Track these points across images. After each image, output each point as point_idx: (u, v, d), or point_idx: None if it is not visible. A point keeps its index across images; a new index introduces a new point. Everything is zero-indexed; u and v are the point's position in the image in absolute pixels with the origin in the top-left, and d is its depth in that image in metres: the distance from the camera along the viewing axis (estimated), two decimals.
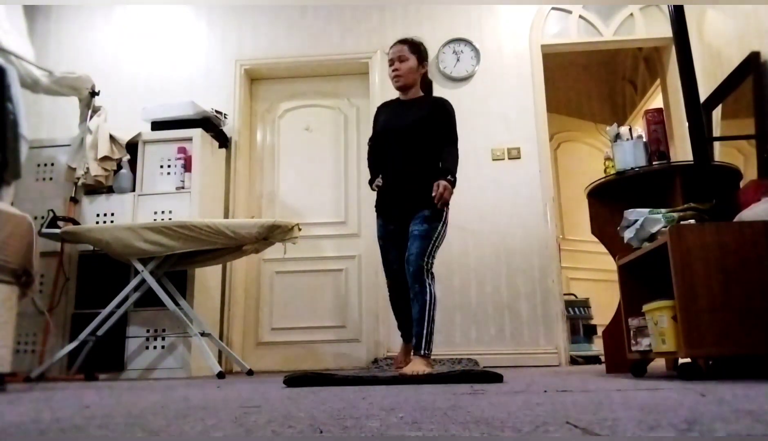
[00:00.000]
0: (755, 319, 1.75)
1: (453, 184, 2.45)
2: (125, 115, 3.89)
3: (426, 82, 2.72)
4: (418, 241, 2.42)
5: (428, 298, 2.36)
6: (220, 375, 2.89)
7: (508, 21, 4.11)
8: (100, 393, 1.88)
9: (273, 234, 3.08)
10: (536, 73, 4.00)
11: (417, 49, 2.62)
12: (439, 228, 2.47)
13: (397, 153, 2.56)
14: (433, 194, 2.40)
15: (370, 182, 2.73)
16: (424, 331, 2.33)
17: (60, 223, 3.26)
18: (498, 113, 3.97)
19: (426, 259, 2.40)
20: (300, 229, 3.18)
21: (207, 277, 3.64)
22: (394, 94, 3.98)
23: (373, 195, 2.75)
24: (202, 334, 3.14)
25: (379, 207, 2.65)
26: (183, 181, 3.60)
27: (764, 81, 2.97)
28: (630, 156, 2.38)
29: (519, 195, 3.83)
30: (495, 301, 3.71)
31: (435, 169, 2.51)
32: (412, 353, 2.42)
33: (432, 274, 2.42)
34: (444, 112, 2.56)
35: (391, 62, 2.61)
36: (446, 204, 2.47)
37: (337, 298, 3.96)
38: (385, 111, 2.70)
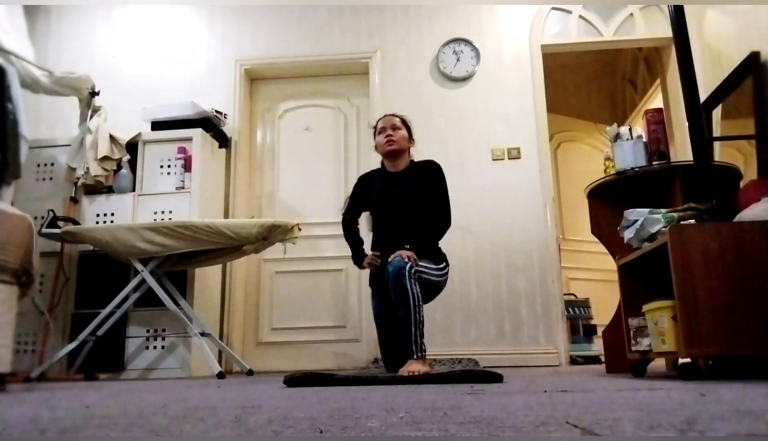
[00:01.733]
0: (755, 319, 1.75)
1: (417, 250, 2.37)
2: (125, 115, 3.89)
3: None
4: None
5: (411, 300, 2.25)
6: (220, 375, 2.89)
7: (508, 21, 4.11)
8: (100, 393, 1.88)
9: (273, 234, 3.08)
10: (536, 73, 4.00)
11: (407, 124, 2.66)
12: (440, 275, 2.46)
13: (395, 226, 2.51)
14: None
15: (357, 260, 2.63)
16: (413, 336, 2.24)
17: (60, 223, 3.26)
18: (498, 113, 3.97)
19: (408, 265, 2.29)
20: (300, 229, 3.18)
21: (207, 277, 3.64)
22: (394, 93, 4.04)
23: None
24: (202, 334, 3.14)
25: (376, 284, 2.55)
26: (183, 181, 3.60)
27: (764, 81, 2.97)
28: (630, 156, 2.38)
29: (519, 195, 3.83)
30: (495, 301, 3.71)
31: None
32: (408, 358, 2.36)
33: (414, 278, 2.29)
34: (436, 176, 2.56)
35: (383, 130, 2.61)
36: (436, 267, 2.45)
37: (337, 298, 3.96)
38: (373, 184, 2.65)
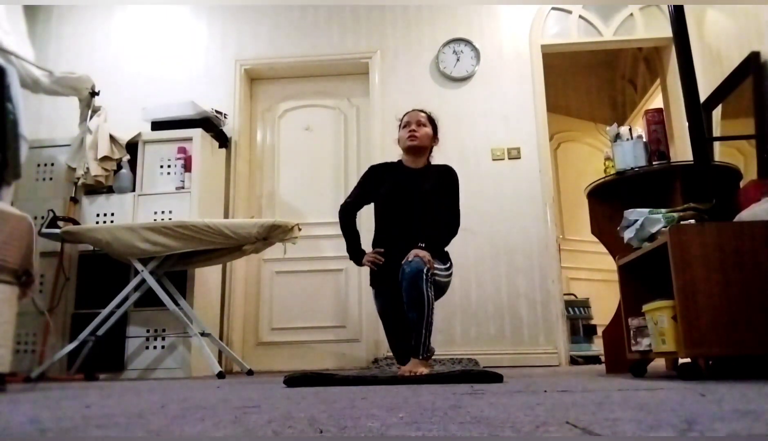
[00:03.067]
0: (755, 319, 1.75)
1: (434, 251, 2.31)
2: (125, 115, 3.89)
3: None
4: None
5: (426, 304, 2.20)
6: (220, 375, 2.89)
7: (508, 21, 4.11)
8: (100, 393, 1.88)
9: (273, 234, 3.08)
10: (536, 73, 4.00)
11: (434, 122, 2.61)
12: (445, 275, 2.40)
13: (407, 222, 2.43)
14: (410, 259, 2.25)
15: (353, 254, 2.53)
16: (422, 338, 2.21)
17: (60, 223, 3.26)
18: (498, 113, 3.97)
19: (426, 268, 2.21)
20: (300, 229, 3.17)
21: (207, 277, 3.64)
22: (394, 93, 4.04)
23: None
24: (202, 334, 3.14)
25: (379, 284, 2.47)
26: (183, 181, 3.60)
27: (764, 81, 2.97)
28: (630, 156, 2.38)
29: (519, 195, 3.83)
30: (495, 301, 3.71)
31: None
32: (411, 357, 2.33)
33: (430, 283, 2.23)
34: (452, 182, 2.52)
35: (407, 124, 2.54)
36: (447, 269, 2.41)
37: (336, 298, 3.96)
38: (388, 175, 2.56)
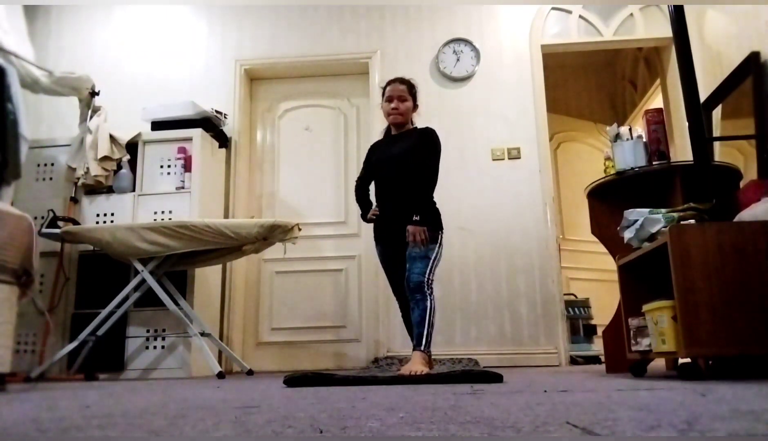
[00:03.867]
0: (755, 319, 1.75)
1: (425, 220, 2.51)
2: (125, 115, 3.89)
3: None
4: (417, 262, 2.50)
5: (428, 305, 2.45)
6: (220, 375, 2.89)
7: (508, 21, 4.11)
8: (100, 393, 1.88)
9: (273, 234, 3.08)
10: (536, 73, 4.00)
11: (414, 91, 2.77)
12: (436, 249, 2.57)
13: (391, 182, 2.67)
14: (408, 240, 2.50)
15: (363, 216, 2.83)
16: (425, 331, 2.42)
17: (60, 223, 3.26)
18: (498, 113, 3.97)
19: (426, 276, 2.49)
20: (300, 229, 3.18)
21: (207, 277, 3.64)
22: None
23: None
24: (202, 334, 3.14)
25: (378, 235, 2.75)
26: (183, 181, 3.60)
27: (764, 81, 2.97)
28: (630, 156, 2.38)
29: (519, 195, 3.83)
30: (495, 301, 3.71)
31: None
32: (412, 349, 2.46)
33: (432, 288, 2.50)
34: (429, 140, 2.66)
35: (390, 99, 2.71)
36: (433, 237, 2.55)
37: (337, 298, 3.96)
38: (378, 147, 2.83)
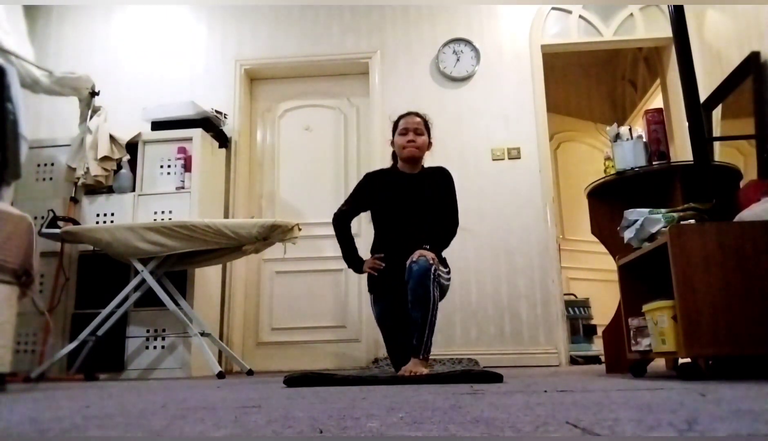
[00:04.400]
0: (755, 319, 1.75)
1: (434, 251, 2.32)
2: (125, 115, 3.89)
3: None
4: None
5: (431, 304, 2.20)
6: (220, 375, 2.89)
7: (508, 21, 4.11)
8: (100, 393, 1.88)
9: (273, 234, 3.08)
10: (536, 73, 4.00)
11: (428, 126, 2.58)
12: (445, 278, 2.38)
13: (406, 229, 2.44)
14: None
15: (350, 260, 2.52)
16: (425, 338, 2.21)
17: (60, 223, 3.26)
18: (498, 113, 3.97)
19: (435, 266, 2.23)
20: (300, 229, 3.18)
21: (207, 277, 3.64)
22: (394, 93, 4.04)
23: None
24: (202, 334, 3.14)
25: (379, 290, 2.46)
26: (183, 181, 3.60)
27: (764, 81, 2.97)
28: (630, 156, 2.38)
29: (519, 195, 3.83)
30: (495, 301, 3.71)
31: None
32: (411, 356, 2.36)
33: (438, 283, 2.25)
34: (449, 184, 2.52)
35: (405, 131, 2.51)
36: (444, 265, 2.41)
37: (336, 297, 3.96)
38: (384, 182, 2.55)
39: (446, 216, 2.49)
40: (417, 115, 2.56)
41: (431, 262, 2.22)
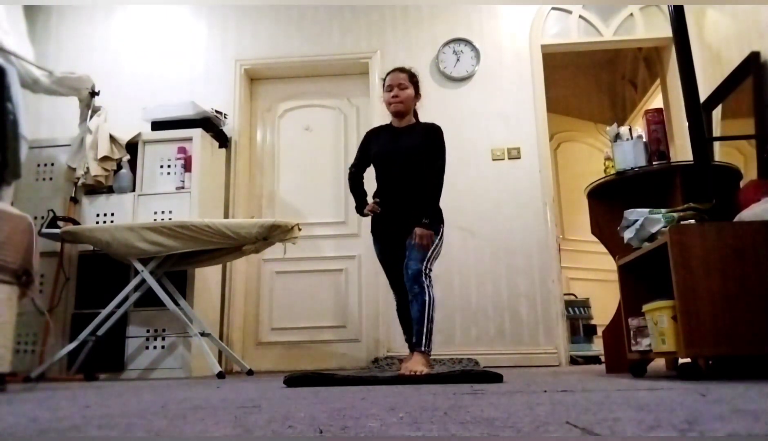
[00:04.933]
0: (755, 319, 1.75)
1: (431, 222, 2.50)
2: (125, 115, 3.89)
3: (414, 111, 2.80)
4: (416, 250, 2.48)
5: (427, 298, 2.41)
6: (220, 375, 2.89)
7: (508, 21, 4.11)
8: (100, 393, 1.88)
9: (273, 234, 3.08)
10: (536, 73, 4.00)
11: (415, 80, 2.72)
12: (436, 241, 2.54)
13: (396, 177, 2.63)
14: (414, 242, 2.48)
15: (359, 209, 2.76)
16: (424, 329, 2.38)
17: (60, 223, 3.26)
18: (498, 113, 3.97)
19: (424, 264, 2.46)
20: (300, 229, 3.18)
21: (207, 277, 3.64)
22: None
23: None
24: (202, 334, 3.14)
25: (377, 231, 2.70)
26: (183, 181, 3.60)
27: (764, 81, 2.97)
28: (630, 156, 2.38)
29: (519, 195, 3.83)
30: (495, 301, 3.71)
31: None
32: (410, 348, 2.46)
33: (430, 278, 2.47)
34: (436, 138, 2.63)
35: (390, 88, 2.67)
36: (435, 230, 2.53)
37: (337, 298, 3.96)
38: (378, 137, 2.76)
39: (431, 169, 2.58)
40: (402, 70, 2.72)
41: (420, 265, 2.44)
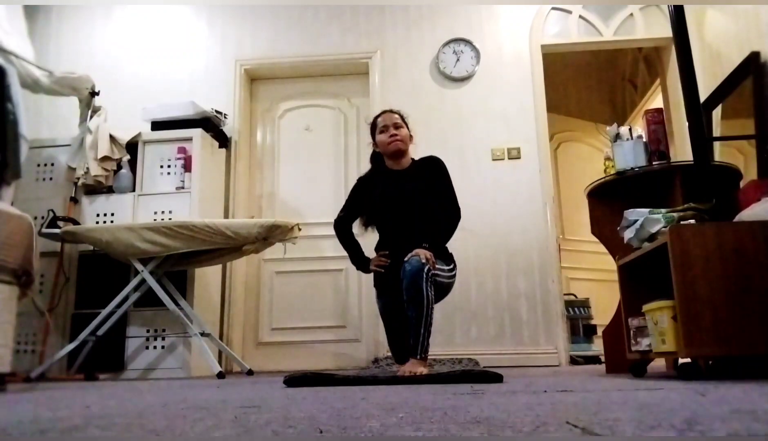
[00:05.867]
0: (755, 319, 1.75)
1: (434, 249, 2.32)
2: (125, 115, 3.89)
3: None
4: (416, 256, 2.26)
5: (425, 303, 2.20)
6: (220, 375, 2.90)
7: (508, 21, 4.11)
8: (100, 393, 1.88)
9: (273, 234, 3.08)
10: (536, 73, 4.00)
11: (405, 121, 2.58)
12: (444, 269, 2.38)
13: (403, 224, 2.44)
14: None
15: (357, 263, 2.55)
16: (421, 337, 2.21)
17: (60, 223, 3.26)
18: (498, 113, 3.97)
19: (426, 268, 2.22)
20: (300, 229, 3.18)
21: (207, 277, 3.64)
22: (394, 93, 4.04)
23: None
24: (202, 334, 3.14)
25: (383, 285, 2.48)
26: (183, 181, 3.60)
27: (764, 81, 2.97)
28: (630, 156, 2.38)
29: (519, 195, 3.83)
30: (495, 301, 3.71)
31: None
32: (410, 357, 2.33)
33: (430, 281, 2.24)
34: (439, 171, 2.50)
35: (385, 128, 2.52)
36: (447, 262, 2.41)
37: (337, 298, 3.96)
38: (376, 184, 2.56)
39: (444, 206, 2.46)
40: (392, 111, 2.58)
41: (424, 261, 2.23)
